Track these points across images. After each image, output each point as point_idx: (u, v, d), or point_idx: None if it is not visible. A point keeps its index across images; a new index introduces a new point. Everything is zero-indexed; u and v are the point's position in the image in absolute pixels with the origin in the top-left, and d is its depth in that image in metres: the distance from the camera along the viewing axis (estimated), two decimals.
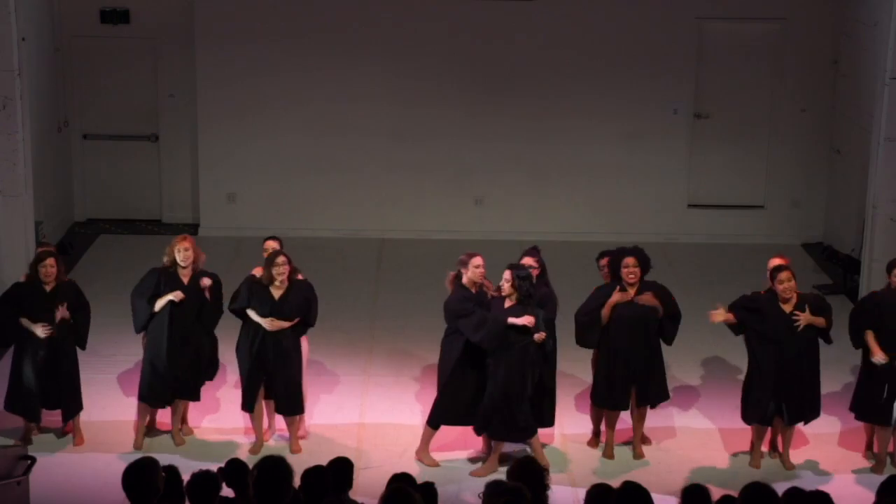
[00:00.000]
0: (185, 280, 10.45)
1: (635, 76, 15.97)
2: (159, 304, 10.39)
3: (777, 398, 10.29)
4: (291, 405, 10.56)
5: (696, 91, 16.14)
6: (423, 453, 10.47)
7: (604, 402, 10.62)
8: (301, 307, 10.44)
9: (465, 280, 10.29)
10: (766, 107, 16.23)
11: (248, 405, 10.55)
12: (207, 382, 10.87)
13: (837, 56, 15.88)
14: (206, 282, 10.48)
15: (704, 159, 16.37)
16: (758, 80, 16.16)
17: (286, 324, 10.34)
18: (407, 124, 16.12)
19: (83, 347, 10.66)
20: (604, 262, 10.88)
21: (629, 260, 10.40)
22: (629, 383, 10.46)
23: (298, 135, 16.12)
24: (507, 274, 10.15)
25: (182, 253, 10.40)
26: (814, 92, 16.10)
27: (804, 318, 10.21)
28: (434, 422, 10.44)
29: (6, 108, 12.93)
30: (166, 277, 10.45)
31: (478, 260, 10.33)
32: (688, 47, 15.98)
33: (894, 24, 13.05)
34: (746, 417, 10.53)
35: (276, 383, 10.47)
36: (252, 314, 10.37)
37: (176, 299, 10.34)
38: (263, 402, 10.62)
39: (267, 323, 10.30)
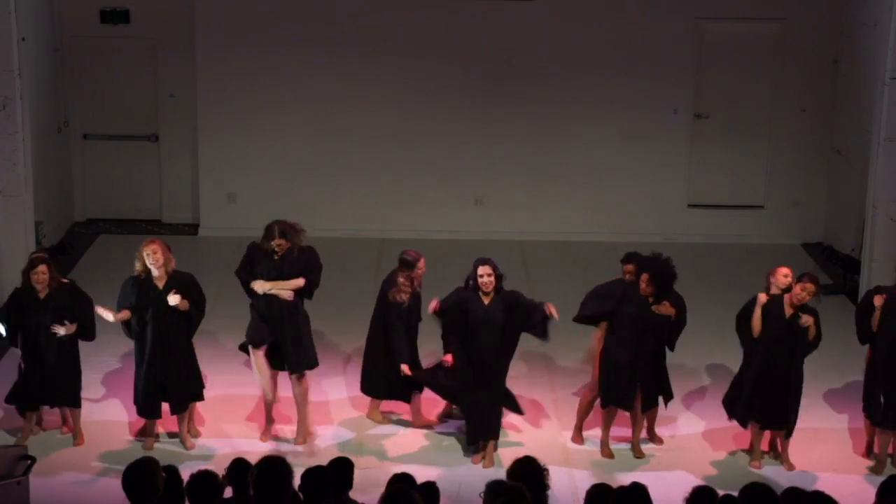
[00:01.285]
0: (161, 285, 10.31)
1: (635, 76, 15.96)
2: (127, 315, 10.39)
3: (756, 401, 10.32)
4: (301, 360, 10.59)
5: (696, 91, 16.13)
6: (372, 412, 11.14)
7: (608, 398, 10.60)
8: (303, 269, 10.50)
9: (411, 276, 10.79)
10: (766, 107, 16.22)
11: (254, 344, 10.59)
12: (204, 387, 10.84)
13: (837, 56, 15.87)
14: (175, 301, 10.22)
15: (704, 159, 16.37)
16: (758, 80, 16.15)
17: (268, 285, 10.37)
18: (407, 124, 16.12)
19: (92, 338, 10.65)
20: (628, 267, 10.80)
21: (645, 276, 10.35)
22: (635, 385, 10.46)
23: (299, 135, 16.12)
24: (484, 269, 10.35)
25: (151, 257, 10.23)
26: (814, 92, 16.09)
27: (806, 319, 10.19)
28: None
29: (6, 108, 12.93)
30: (140, 286, 10.33)
31: (422, 262, 10.85)
32: (688, 47, 15.97)
33: (894, 24, 13.05)
34: (729, 411, 10.60)
35: (284, 341, 10.50)
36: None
37: (112, 318, 10.31)
38: (274, 380, 10.72)
39: (257, 285, 10.40)
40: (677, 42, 15.92)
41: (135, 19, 16.08)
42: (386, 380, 10.98)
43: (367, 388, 11.16)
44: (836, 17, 15.78)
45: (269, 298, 10.48)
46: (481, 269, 10.34)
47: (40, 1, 15.15)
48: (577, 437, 10.91)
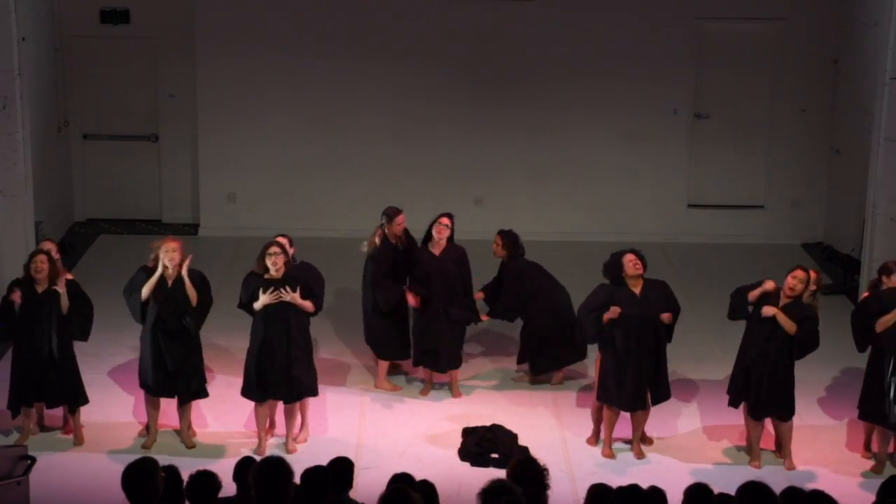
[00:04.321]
0: (170, 282, 10.33)
1: (635, 76, 15.96)
2: (146, 290, 10.29)
3: (746, 387, 10.35)
4: (294, 391, 10.51)
5: (696, 91, 16.14)
6: (381, 381, 11.73)
7: (614, 402, 10.57)
8: (303, 288, 10.43)
9: (388, 233, 11.42)
10: (766, 107, 16.22)
11: (256, 395, 10.50)
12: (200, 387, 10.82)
13: (837, 56, 15.88)
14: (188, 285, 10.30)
15: (704, 159, 16.37)
16: (758, 80, 16.15)
17: (286, 296, 10.27)
18: (407, 124, 16.12)
19: (84, 339, 10.60)
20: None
21: (630, 256, 10.42)
22: (643, 384, 10.46)
23: (299, 135, 16.12)
24: (444, 219, 11.60)
25: (170, 254, 10.28)
26: (814, 92, 16.09)
27: (767, 309, 10.18)
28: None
29: (6, 108, 12.94)
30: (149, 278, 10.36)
31: (401, 218, 11.51)
32: (688, 47, 15.97)
33: (894, 24, 13.04)
34: (730, 395, 10.63)
35: (281, 369, 10.41)
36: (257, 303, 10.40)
37: (162, 272, 10.28)
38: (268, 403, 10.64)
39: (266, 297, 10.26)
40: (677, 42, 15.92)
41: (135, 19, 16.09)
42: (397, 340, 11.67)
43: (382, 354, 11.73)
44: (836, 17, 15.78)
45: (282, 324, 10.40)
46: (443, 220, 11.49)
47: (40, 1, 15.16)
48: (593, 439, 10.88)
